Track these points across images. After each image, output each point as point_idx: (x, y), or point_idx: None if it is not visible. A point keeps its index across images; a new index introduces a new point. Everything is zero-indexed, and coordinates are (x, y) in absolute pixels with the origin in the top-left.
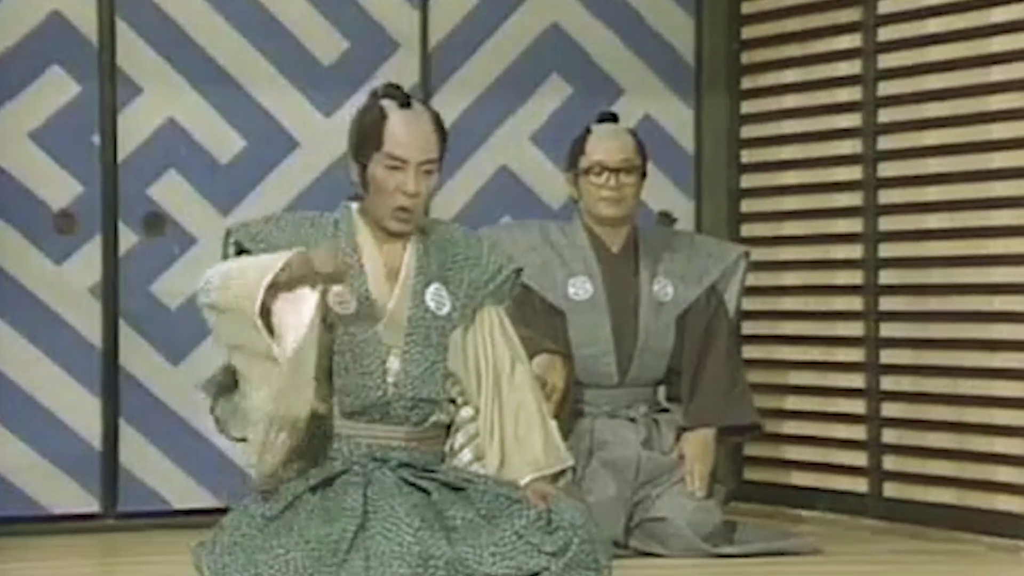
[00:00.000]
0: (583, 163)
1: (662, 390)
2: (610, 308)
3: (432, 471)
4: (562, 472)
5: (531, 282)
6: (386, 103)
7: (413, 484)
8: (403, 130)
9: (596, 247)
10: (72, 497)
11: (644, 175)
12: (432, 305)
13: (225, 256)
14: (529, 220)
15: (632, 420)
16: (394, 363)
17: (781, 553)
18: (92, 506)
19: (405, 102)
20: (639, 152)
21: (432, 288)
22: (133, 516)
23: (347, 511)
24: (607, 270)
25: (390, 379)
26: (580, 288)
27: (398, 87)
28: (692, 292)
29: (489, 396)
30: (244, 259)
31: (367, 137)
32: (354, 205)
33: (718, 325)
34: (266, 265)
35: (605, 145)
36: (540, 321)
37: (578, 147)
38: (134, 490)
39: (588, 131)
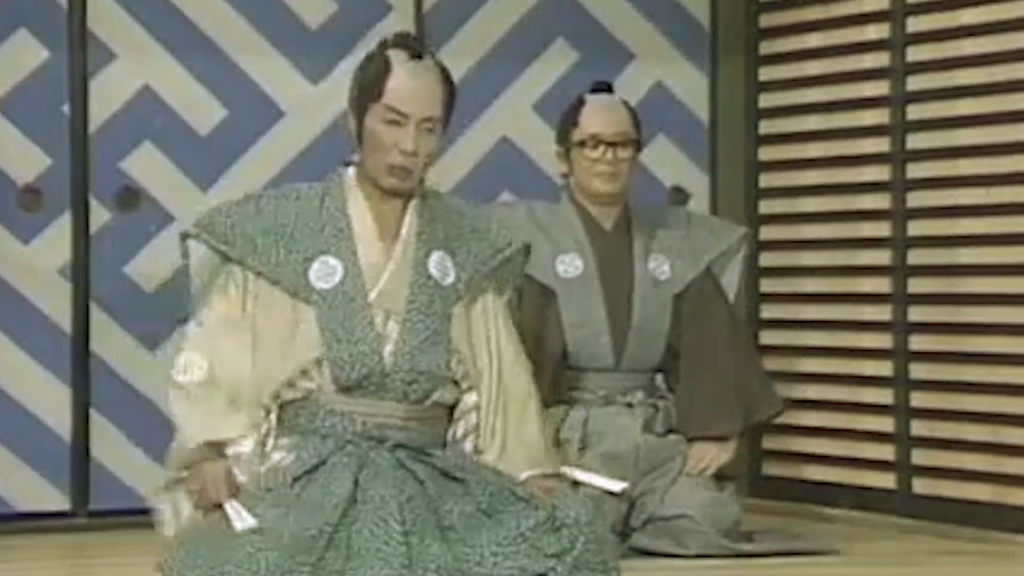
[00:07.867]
0: (576, 136)
1: (659, 377)
2: (603, 286)
3: (430, 454)
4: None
5: None
6: (393, 53)
7: (409, 470)
8: (407, 82)
9: (587, 224)
10: (40, 494)
11: (639, 149)
12: (436, 273)
13: (184, 258)
14: (515, 201)
15: (629, 406)
16: (393, 329)
17: (802, 552)
18: (62, 504)
19: (416, 53)
20: (635, 125)
21: (436, 256)
22: (106, 514)
23: (332, 502)
24: (599, 247)
25: (388, 347)
26: (570, 265)
27: (412, 36)
28: (690, 271)
29: (493, 385)
30: (190, 414)
31: (367, 86)
32: (350, 170)
33: (717, 313)
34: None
35: (601, 117)
36: (531, 303)
37: (570, 119)
38: (107, 486)
39: (581, 102)
